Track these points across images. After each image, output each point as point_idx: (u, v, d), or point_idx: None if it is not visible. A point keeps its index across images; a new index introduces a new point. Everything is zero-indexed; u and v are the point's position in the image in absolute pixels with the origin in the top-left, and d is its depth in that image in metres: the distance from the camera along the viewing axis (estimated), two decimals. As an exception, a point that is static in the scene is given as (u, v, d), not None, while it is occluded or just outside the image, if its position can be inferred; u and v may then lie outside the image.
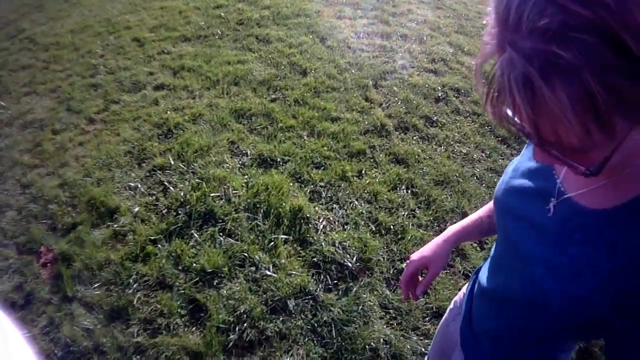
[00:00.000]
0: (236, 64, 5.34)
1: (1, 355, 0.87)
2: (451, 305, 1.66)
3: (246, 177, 3.75)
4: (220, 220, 3.37)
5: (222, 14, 6.65)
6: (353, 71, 5.23)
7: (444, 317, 1.72)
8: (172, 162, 3.91)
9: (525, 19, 0.58)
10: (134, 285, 3.02)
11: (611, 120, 0.60)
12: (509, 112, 0.67)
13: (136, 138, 4.28)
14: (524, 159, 1.11)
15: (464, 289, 1.56)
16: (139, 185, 3.75)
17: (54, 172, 4.07)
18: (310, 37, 5.93)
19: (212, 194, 3.54)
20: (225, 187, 3.61)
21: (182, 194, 3.57)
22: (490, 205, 1.43)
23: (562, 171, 0.98)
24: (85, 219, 3.52)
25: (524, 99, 0.61)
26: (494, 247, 1.32)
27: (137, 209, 3.52)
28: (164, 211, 3.49)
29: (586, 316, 0.90)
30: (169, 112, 4.61)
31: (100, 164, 4.04)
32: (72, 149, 4.32)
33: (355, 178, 3.79)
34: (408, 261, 1.50)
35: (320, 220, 3.40)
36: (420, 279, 1.52)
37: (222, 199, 3.53)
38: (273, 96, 4.81)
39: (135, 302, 2.92)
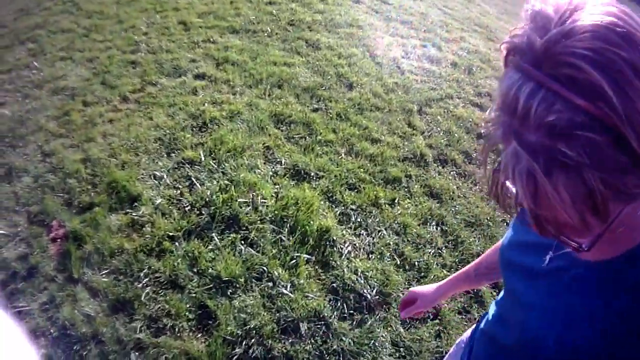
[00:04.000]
0: (282, 66, 5.24)
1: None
2: (455, 348, 1.72)
3: (277, 187, 3.65)
4: (244, 228, 3.27)
5: (274, 11, 6.54)
6: (399, 93, 5.11)
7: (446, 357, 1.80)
8: (203, 158, 3.80)
9: (533, 113, 0.60)
10: (144, 280, 2.93)
11: (607, 208, 0.63)
12: (513, 192, 0.69)
13: (169, 126, 4.18)
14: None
15: (468, 332, 1.62)
16: (165, 176, 3.64)
17: (79, 146, 3.97)
18: (361, 50, 5.82)
19: (239, 199, 3.44)
20: (254, 193, 3.51)
21: (208, 193, 3.46)
22: (480, 258, 1.57)
23: None
24: (104, 201, 3.43)
25: (527, 191, 0.64)
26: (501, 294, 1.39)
27: (159, 201, 3.42)
28: (187, 208, 3.39)
29: None
30: (206, 104, 4.50)
31: (127, 146, 3.94)
32: (100, 125, 4.22)
33: (387, 206, 3.67)
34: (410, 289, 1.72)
35: (346, 245, 3.29)
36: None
37: (249, 205, 3.43)
38: (315, 106, 4.70)
39: (142, 297, 2.84)
